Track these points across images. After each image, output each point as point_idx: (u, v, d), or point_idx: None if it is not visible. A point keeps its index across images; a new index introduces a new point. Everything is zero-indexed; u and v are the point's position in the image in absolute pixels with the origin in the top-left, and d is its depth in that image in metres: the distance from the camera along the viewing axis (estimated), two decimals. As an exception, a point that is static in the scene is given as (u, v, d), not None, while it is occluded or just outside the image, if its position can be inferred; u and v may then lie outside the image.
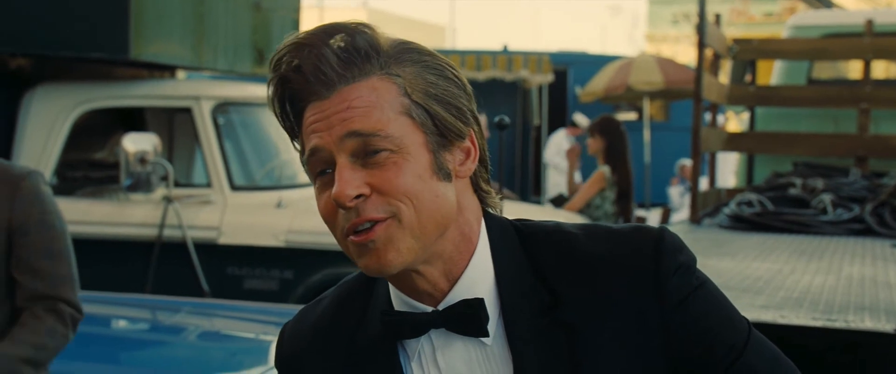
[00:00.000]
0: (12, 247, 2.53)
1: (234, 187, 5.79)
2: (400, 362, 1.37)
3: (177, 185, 5.89)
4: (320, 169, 1.31)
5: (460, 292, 1.34)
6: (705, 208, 6.14)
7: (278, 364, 1.48)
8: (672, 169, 14.28)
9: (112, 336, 4.15)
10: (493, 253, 1.36)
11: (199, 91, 6.00)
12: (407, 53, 1.32)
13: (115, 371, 3.51)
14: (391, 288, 1.39)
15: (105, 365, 3.51)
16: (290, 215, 5.64)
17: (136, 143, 5.54)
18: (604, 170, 7.44)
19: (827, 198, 5.45)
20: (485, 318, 1.32)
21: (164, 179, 5.64)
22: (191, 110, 5.89)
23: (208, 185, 5.86)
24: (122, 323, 4.37)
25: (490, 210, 1.40)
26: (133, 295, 4.79)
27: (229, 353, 3.86)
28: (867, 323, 2.88)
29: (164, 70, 6.82)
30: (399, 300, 1.37)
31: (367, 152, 1.27)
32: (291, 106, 1.33)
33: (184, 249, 5.62)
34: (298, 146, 1.35)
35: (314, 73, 1.28)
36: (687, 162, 11.97)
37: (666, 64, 14.01)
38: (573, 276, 1.34)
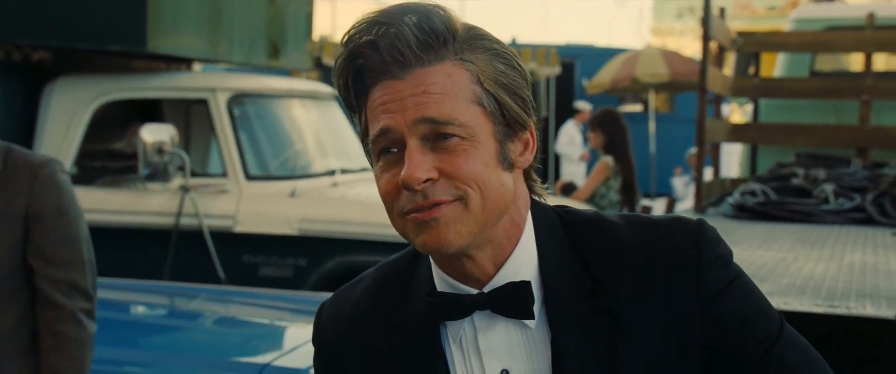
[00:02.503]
0: (29, 233, 2.56)
1: (249, 177, 5.83)
2: (442, 343, 1.39)
3: (193, 175, 5.93)
4: (386, 147, 1.31)
5: (506, 276, 1.36)
6: (710, 197, 6.16)
7: (317, 344, 1.50)
8: (676, 160, 14.31)
9: (131, 322, 4.21)
10: (538, 240, 1.38)
11: (214, 83, 6.04)
12: (479, 40, 1.34)
13: (133, 356, 3.56)
14: (435, 270, 1.40)
15: (124, 350, 3.55)
16: (303, 204, 5.69)
17: (154, 133, 5.58)
18: (607, 160, 7.52)
19: (829, 188, 5.44)
20: (531, 300, 1.33)
21: (181, 169, 5.69)
22: (207, 102, 5.93)
23: (224, 175, 5.90)
24: (140, 309, 4.43)
25: (535, 198, 1.42)
26: (151, 282, 4.85)
27: (245, 338, 3.94)
28: (868, 309, 2.91)
29: (181, 62, 6.87)
30: (443, 283, 1.38)
31: (438, 136, 1.29)
32: (356, 82, 1.33)
33: (200, 237, 5.68)
34: (359, 123, 1.36)
35: (390, 51, 1.28)
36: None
37: (671, 56, 14.05)
38: (615, 264, 1.36)
